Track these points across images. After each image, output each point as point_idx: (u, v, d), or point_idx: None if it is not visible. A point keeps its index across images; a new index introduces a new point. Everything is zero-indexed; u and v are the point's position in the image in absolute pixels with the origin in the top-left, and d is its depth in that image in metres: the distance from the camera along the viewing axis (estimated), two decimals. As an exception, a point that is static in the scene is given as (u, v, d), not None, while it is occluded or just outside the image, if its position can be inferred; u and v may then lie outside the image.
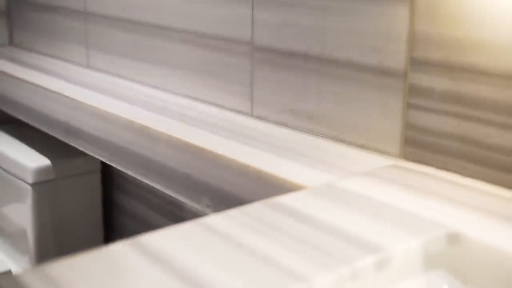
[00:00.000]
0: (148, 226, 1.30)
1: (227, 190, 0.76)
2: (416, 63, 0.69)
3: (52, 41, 1.44)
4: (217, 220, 0.55)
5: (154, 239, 0.51)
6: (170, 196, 1.23)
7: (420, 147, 0.71)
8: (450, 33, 0.66)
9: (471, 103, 0.65)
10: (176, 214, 1.23)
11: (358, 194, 0.62)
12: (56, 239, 1.28)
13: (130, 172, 0.94)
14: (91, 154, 1.02)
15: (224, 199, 0.77)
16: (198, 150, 0.80)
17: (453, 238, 0.54)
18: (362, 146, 0.77)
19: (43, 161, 1.24)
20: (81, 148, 1.06)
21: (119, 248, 0.49)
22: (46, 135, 1.40)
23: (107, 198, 1.39)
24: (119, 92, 1.10)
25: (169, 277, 0.45)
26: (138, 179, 1.31)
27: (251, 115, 0.93)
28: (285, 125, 0.88)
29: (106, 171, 1.37)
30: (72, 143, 1.08)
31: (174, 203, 1.23)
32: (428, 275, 0.54)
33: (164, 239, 0.51)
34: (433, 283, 0.54)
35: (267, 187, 0.70)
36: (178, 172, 0.84)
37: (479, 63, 0.64)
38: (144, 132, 0.89)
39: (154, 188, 1.27)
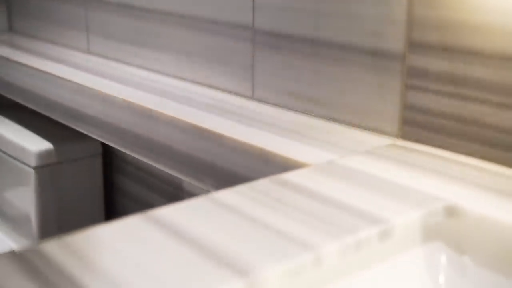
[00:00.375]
0: (148, 207, 1.33)
1: (230, 169, 0.78)
2: (415, 46, 0.72)
3: (52, 27, 1.46)
4: (226, 195, 0.58)
5: (167, 212, 0.54)
6: (170, 177, 1.26)
7: (418, 126, 0.73)
8: (448, 16, 0.68)
9: (468, 84, 0.68)
10: (176, 195, 1.25)
11: (360, 171, 0.64)
12: (59, 222, 1.31)
13: (134, 154, 0.96)
14: (96, 137, 1.04)
15: (228, 178, 0.79)
16: (201, 131, 0.82)
17: (451, 211, 0.56)
18: (361, 127, 0.80)
19: (45, 145, 1.26)
20: (85, 132, 1.08)
21: (135, 221, 0.52)
22: (46, 120, 1.42)
23: (108, 181, 1.41)
24: (121, 77, 1.12)
25: (185, 247, 0.47)
26: (137, 162, 1.33)
27: (252, 97, 0.95)
28: (286, 107, 0.90)
29: (107, 154, 1.39)
30: (76, 126, 1.10)
31: (174, 184, 1.26)
32: (427, 247, 0.57)
33: (176, 213, 0.54)
34: (432, 254, 0.57)
35: (270, 165, 0.72)
36: (182, 153, 0.87)
37: (475, 45, 0.66)
38: (148, 114, 0.92)
39: (154, 169, 1.30)
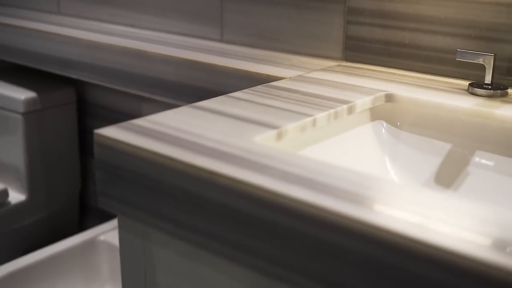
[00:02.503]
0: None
1: (221, 90, 1.03)
2: (353, -8, 1.00)
3: (17, -8, 1.62)
4: (238, 94, 0.83)
5: (202, 104, 0.78)
6: (137, 113, 1.47)
7: (357, 51, 1.01)
8: (376, -30, 0.96)
9: (391, 17, 0.96)
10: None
11: (322, 79, 0.92)
12: (43, 163, 1.50)
13: (129, 90, 1.19)
14: (92, 81, 1.26)
15: (217, 97, 1.04)
16: (192, 63, 1.07)
17: (389, 97, 0.85)
18: (315, 55, 1.07)
19: (29, 94, 1.45)
20: (76, 77, 1.29)
21: (184, 109, 0.76)
22: (22, 74, 1.59)
23: (81, 124, 1.62)
24: (97, 30, 1.33)
25: (230, 119, 0.73)
26: (106, 105, 1.54)
27: (222, 40, 1.20)
28: (251, 46, 1.16)
29: (80, 101, 1.59)
30: (67, 73, 1.30)
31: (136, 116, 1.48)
32: (374, 122, 0.85)
33: (209, 104, 0.78)
34: (377, 126, 0.85)
35: (255, 82, 0.98)
36: (172, 82, 1.11)
37: (396, -11, 0.95)
38: (142, 54, 1.14)
39: (121, 109, 1.50)
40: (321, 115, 0.75)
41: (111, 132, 0.68)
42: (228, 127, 0.70)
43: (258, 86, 0.87)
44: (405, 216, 0.49)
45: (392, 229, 0.47)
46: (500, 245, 0.45)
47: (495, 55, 0.83)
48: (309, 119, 0.74)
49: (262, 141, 0.67)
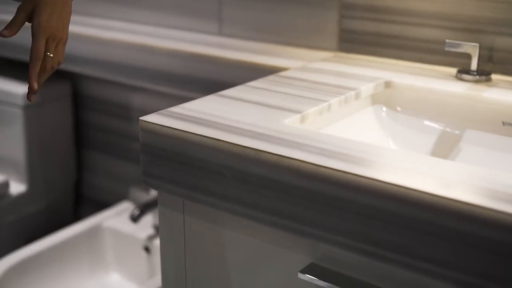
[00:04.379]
0: (111, 132, 1.61)
1: (228, 82, 1.12)
2: (347, -11, 1.09)
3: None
4: (254, 83, 0.92)
5: (228, 93, 0.87)
6: (129, 102, 1.53)
7: (351, 42, 1.11)
8: (368, -31, 1.06)
9: (382, 11, 1.07)
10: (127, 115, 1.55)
11: (325, 69, 1.01)
12: (42, 155, 1.56)
13: (138, 83, 1.26)
14: (93, 74, 1.32)
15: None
16: (199, 56, 1.15)
17: (387, 84, 0.95)
18: (312, 47, 1.17)
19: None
20: (77, 71, 1.35)
21: (212, 97, 0.85)
22: (18, 68, 1.64)
23: (75, 118, 1.68)
24: (95, 25, 1.39)
25: (256, 105, 0.82)
26: (99, 97, 1.61)
27: (220, 34, 1.28)
28: (250, 39, 1.24)
29: (75, 94, 1.65)
30: (71, 68, 1.36)
31: (132, 108, 1.55)
32: (375, 106, 0.95)
33: (232, 92, 0.87)
34: (377, 109, 0.95)
35: (261, 73, 1.07)
36: (177, 75, 1.19)
37: (387, -14, 1.05)
38: (148, 49, 1.22)
39: (113, 100, 1.56)
40: (334, 100, 0.85)
41: (155, 119, 0.76)
42: (256, 112, 0.79)
43: (269, 76, 0.96)
44: (428, 178, 0.59)
45: (420, 189, 0.58)
46: (496, 195, 0.56)
47: (479, 45, 0.94)
48: (325, 104, 0.83)
49: (291, 123, 0.76)
